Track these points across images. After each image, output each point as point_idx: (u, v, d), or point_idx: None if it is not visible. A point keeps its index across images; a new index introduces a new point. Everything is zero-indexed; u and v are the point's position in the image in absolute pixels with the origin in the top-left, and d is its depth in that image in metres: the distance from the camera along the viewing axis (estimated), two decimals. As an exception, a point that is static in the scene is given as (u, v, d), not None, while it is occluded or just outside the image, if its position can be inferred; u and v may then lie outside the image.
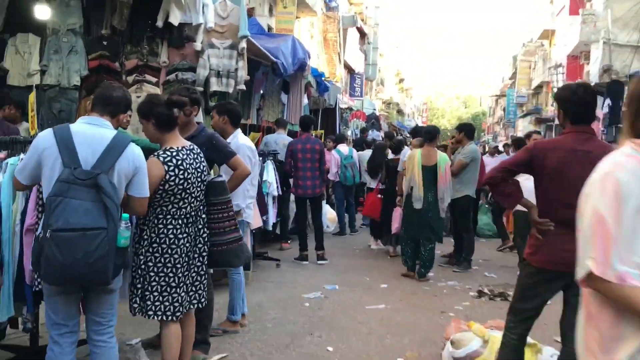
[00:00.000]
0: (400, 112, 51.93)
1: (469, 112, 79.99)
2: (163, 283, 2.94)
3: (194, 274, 3.08)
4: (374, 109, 25.57)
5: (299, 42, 9.71)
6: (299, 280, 6.29)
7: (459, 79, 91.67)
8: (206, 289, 3.18)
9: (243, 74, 6.65)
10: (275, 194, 6.85)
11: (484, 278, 6.78)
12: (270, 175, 6.73)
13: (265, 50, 8.34)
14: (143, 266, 2.95)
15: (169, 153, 2.94)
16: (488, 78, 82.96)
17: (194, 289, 3.09)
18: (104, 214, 2.42)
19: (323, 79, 12.11)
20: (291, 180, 7.42)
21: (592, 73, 24.28)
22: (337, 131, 13.30)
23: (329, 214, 9.36)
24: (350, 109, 17.09)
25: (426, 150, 6.57)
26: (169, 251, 2.93)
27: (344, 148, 9.81)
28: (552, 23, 32.65)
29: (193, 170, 3.00)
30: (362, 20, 27.80)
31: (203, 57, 6.41)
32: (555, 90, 26.91)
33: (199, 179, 3.05)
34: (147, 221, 2.98)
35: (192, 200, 3.02)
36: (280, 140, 7.98)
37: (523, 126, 37.17)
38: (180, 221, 2.96)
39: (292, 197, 7.70)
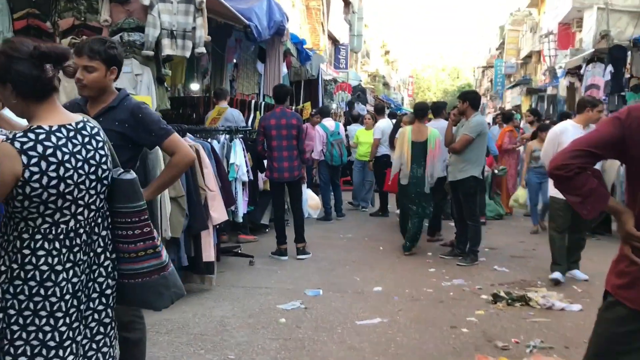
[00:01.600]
0: (386, 85, 50.72)
1: (455, 85, 79.15)
2: (35, 342, 1.85)
3: (93, 325, 1.98)
4: (360, 81, 24.34)
5: (275, 3, 8.47)
6: (275, 284, 5.23)
7: (445, 50, 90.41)
8: (115, 346, 2.07)
9: (202, 33, 5.49)
10: (246, 178, 5.73)
11: (494, 273, 5.78)
12: (239, 157, 5.60)
13: (237, 12, 7.14)
14: (1, 316, 1.87)
15: (30, 136, 1.80)
16: (473, 49, 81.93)
17: (93, 348, 2.01)
18: None
19: (304, 46, 10.88)
20: (265, 163, 6.29)
21: (585, 40, 23.35)
22: (320, 104, 12.17)
23: (310, 200, 8.07)
24: (335, 80, 15.90)
25: (417, 126, 6.60)
26: (42, 292, 1.84)
27: (329, 123, 8.65)
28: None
29: (79, 163, 1.89)
30: (346, -14, 26.35)
31: (152, 14, 5.23)
32: (548, 58, 25.97)
33: (94, 176, 1.94)
34: (3, 244, 1.89)
35: (81, 210, 1.91)
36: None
37: (511, 97, 36.29)
38: (58, 244, 1.86)
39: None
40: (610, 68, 13.39)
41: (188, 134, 4.92)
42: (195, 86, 8.80)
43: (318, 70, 12.37)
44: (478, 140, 5.96)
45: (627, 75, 13.04)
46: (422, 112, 6.67)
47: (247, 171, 5.73)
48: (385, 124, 9.09)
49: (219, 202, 4.79)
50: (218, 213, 4.77)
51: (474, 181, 6.03)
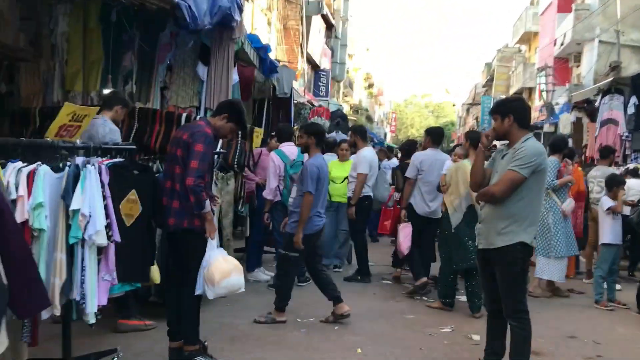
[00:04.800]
0: (369, 118, 49.03)
1: (438, 122, 78.23)
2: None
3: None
4: (340, 106, 22.17)
5: (224, -16, 6.20)
6: None
7: (428, 87, 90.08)
8: None
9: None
10: (104, 241, 3.21)
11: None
12: (90, 198, 3.02)
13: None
14: None
15: None
16: (454, 87, 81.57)
17: None
18: None
19: (269, 53, 8.60)
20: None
21: (584, 74, 21.74)
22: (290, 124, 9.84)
23: (212, 267, 3.82)
24: (312, 104, 13.65)
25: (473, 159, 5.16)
26: None
27: (290, 149, 6.23)
28: (532, 25, 30.27)
29: None
30: (329, 9, 24.49)
31: None
32: (544, 94, 24.26)
33: None
34: None
35: None
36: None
37: (500, 135, 34.62)
38: None
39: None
40: (634, 100, 11.38)
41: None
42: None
43: (290, 89, 10.12)
44: (533, 181, 3.59)
45: (655, 110, 11.03)
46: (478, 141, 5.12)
47: (109, 226, 3.21)
48: (371, 154, 6.83)
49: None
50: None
51: (522, 252, 3.61)
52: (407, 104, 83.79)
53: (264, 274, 6.48)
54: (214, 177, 5.22)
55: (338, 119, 13.26)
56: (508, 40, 39.95)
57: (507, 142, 3.78)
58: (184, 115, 5.61)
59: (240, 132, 5.38)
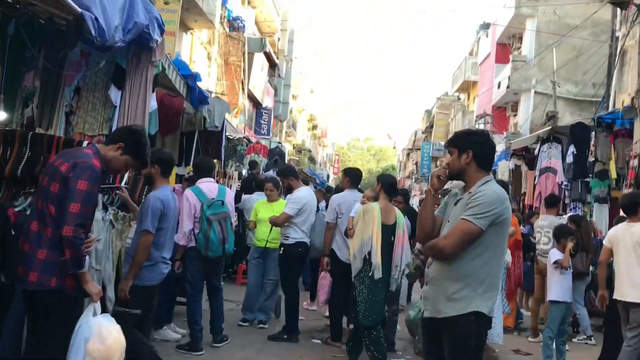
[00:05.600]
0: (312, 159, 48.79)
1: (380, 165, 79.18)
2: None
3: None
4: (280, 144, 21.56)
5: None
6: None
7: (371, 132, 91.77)
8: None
9: None
10: None
11: None
12: None
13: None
14: None
15: None
16: (396, 132, 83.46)
17: None
18: None
19: (199, 83, 7.91)
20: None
21: (521, 123, 22.27)
22: (221, 165, 9.12)
23: (109, 341, 2.93)
24: (249, 140, 12.96)
25: (384, 205, 5.45)
26: None
27: (209, 186, 5.45)
28: (471, 74, 31.10)
29: None
30: (273, 47, 24.18)
31: None
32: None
33: None
34: None
35: None
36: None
37: (440, 180, 35.01)
38: None
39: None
40: (572, 149, 11.35)
41: None
42: (2, 115, 5.56)
43: (223, 122, 9.42)
44: (492, 234, 2.92)
45: (591, 159, 11.00)
46: (393, 187, 5.60)
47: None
48: (306, 194, 6.16)
49: None
50: None
51: (477, 323, 2.89)
52: (350, 147, 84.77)
53: (174, 332, 5.58)
54: (115, 217, 4.40)
55: (276, 156, 12.65)
56: (447, 88, 41.21)
57: (462, 184, 3.15)
58: (86, 144, 4.79)
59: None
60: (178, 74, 7.13)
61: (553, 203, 7.60)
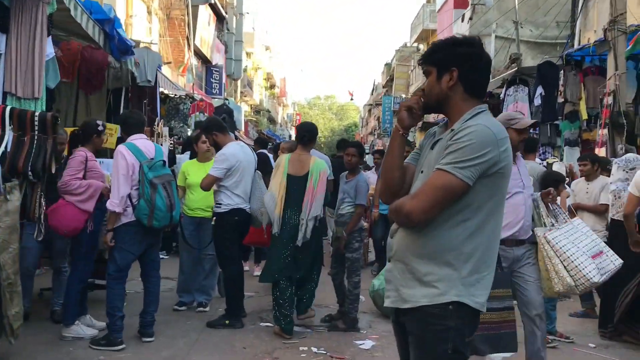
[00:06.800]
0: (272, 120, 47.50)
1: (342, 124, 78.24)
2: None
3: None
4: (226, 99, 20.24)
5: None
6: None
7: (332, 89, 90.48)
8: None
9: None
10: None
11: None
12: None
13: None
14: None
15: None
16: (357, 88, 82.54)
17: None
18: None
19: (119, 30, 6.73)
20: None
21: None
22: (155, 124, 8.07)
23: None
24: (192, 98, 11.81)
25: (297, 155, 5.01)
26: None
27: (145, 144, 4.19)
28: (430, 23, 30.20)
29: None
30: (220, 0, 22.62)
31: None
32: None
33: None
34: None
35: None
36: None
37: (402, 134, 34.48)
38: None
39: None
40: (540, 90, 10.65)
41: None
42: None
43: (155, 76, 8.29)
44: (483, 191, 1.99)
45: (560, 100, 10.32)
46: (309, 134, 5.06)
47: None
48: (236, 150, 5.09)
49: None
50: None
51: (457, 317, 1.96)
52: (312, 105, 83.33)
53: (88, 327, 4.58)
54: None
55: (224, 114, 11.53)
56: (407, 39, 40.25)
57: (444, 119, 2.20)
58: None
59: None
60: (90, 17, 5.97)
61: (532, 147, 6.74)
